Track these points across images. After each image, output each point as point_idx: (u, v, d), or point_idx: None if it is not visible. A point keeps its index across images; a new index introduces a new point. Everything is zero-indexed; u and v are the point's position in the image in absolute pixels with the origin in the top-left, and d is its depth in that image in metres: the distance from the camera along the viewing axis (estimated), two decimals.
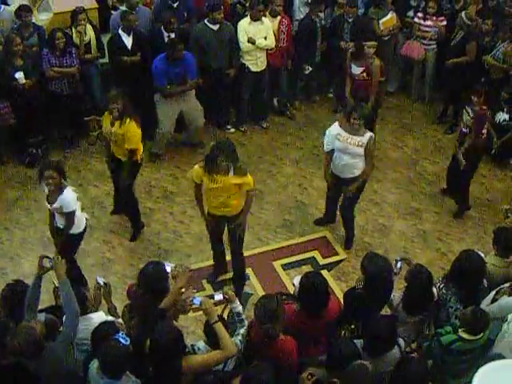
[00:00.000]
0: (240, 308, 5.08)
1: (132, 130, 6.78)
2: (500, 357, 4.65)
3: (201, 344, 4.87)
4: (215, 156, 6.05)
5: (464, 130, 7.47)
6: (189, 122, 8.60)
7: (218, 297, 5.21)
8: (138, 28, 8.43)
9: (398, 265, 5.47)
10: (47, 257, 4.94)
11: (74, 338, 4.68)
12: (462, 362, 4.86)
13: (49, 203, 6.13)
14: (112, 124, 6.86)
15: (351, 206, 7.26)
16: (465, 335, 4.78)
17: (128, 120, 6.74)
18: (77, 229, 6.34)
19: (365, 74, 8.10)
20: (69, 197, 6.04)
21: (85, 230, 6.47)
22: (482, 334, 4.80)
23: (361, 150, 6.73)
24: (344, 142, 6.74)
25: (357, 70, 8.14)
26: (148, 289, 4.93)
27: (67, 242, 6.39)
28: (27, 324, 4.48)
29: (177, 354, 4.48)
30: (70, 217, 6.17)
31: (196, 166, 6.28)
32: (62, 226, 6.31)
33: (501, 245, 5.62)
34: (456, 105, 9.16)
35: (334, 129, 6.85)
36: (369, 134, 6.77)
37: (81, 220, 6.36)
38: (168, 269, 5.12)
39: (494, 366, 4.11)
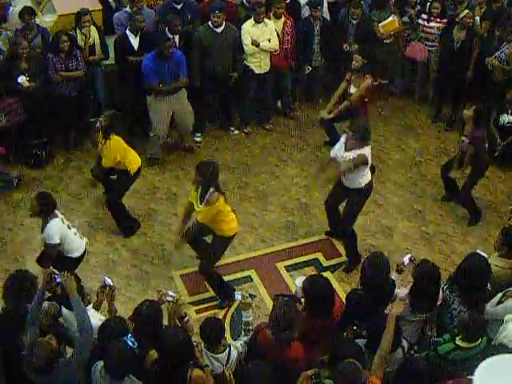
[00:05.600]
0: (251, 319, 5.09)
1: (110, 148, 6.93)
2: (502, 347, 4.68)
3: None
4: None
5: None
6: (179, 123, 8.57)
7: (238, 296, 5.19)
8: (145, 29, 8.45)
9: (406, 261, 5.44)
10: (54, 272, 4.88)
11: (87, 356, 4.62)
12: (460, 370, 4.80)
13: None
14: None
15: (350, 212, 7.05)
16: (462, 343, 4.76)
17: (107, 141, 6.92)
18: (74, 253, 6.22)
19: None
20: (52, 228, 5.94)
21: (83, 255, 6.32)
22: (479, 341, 4.77)
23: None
24: (340, 157, 6.68)
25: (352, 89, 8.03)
26: (142, 330, 4.81)
27: (61, 263, 6.13)
28: (43, 339, 4.45)
29: (186, 359, 4.48)
30: (47, 249, 6.07)
31: (221, 199, 6.15)
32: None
33: (509, 245, 5.59)
34: (455, 104, 9.29)
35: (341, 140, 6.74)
36: (358, 152, 6.50)
37: (77, 244, 6.22)
38: (169, 298, 5.04)
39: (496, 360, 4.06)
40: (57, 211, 6.06)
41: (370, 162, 6.68)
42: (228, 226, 6.39)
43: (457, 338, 4.78)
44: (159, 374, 4.50)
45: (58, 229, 5.98)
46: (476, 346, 4.75)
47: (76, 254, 6.22)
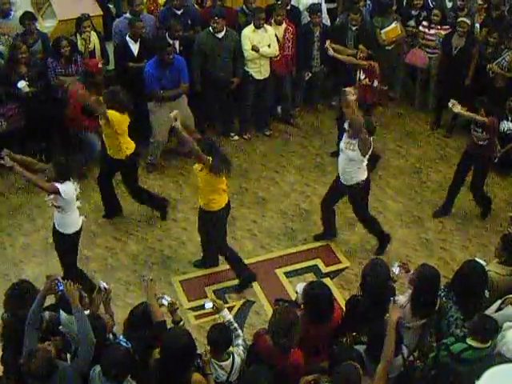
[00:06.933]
0: (230, 316, 5.10)
1: (114, 116, 6.93)
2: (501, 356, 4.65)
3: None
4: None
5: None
6: None
7: (208, 305, 5.19)
8: (145, 35, 8.47)
9: (396, 271, 5.45)
10: (57, 279, 4.82)
11: (87, 368, 4.56)
12: (471, 372, 4.76)
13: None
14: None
15: (359, 209, 7.29)
16: (474, 343, 4.72)
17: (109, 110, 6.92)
18: (69, 228, 6.31)
19: (367, 80, 8.09)
20: (68, 188, 6.08)
21: (78, 232, 6.41)
22: (491, 342, 4.74)
23: (353, 154, 6.70)
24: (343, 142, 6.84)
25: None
26: (134, 328, 4.85)
27: (60, 243, 6.40)
28: (43, 346, 4.43)
29: (190, 361, 4.48)
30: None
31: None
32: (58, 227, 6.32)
33: (509, 252, 5.58)
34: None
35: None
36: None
37: (75, 221, 6.33)
38: (164, 302, 5.04)
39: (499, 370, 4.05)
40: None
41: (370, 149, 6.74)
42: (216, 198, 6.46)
43: (468, 339, 4.76)
44: (160, 377, 4.49)
45: (71, 191, 6.09)
46: (488, 348, 4.72)
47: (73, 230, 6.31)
